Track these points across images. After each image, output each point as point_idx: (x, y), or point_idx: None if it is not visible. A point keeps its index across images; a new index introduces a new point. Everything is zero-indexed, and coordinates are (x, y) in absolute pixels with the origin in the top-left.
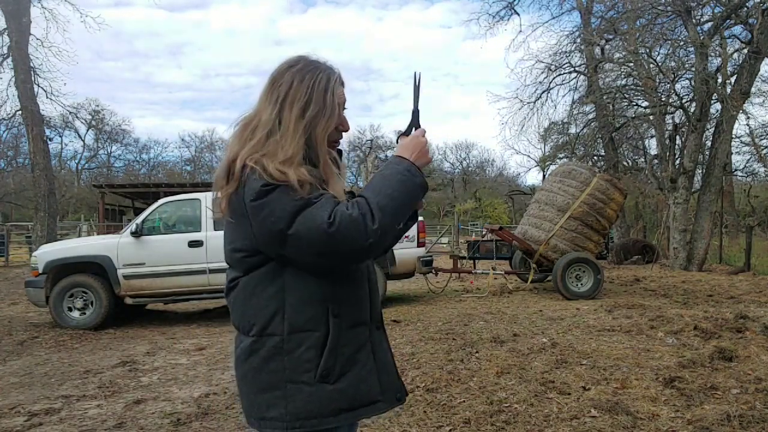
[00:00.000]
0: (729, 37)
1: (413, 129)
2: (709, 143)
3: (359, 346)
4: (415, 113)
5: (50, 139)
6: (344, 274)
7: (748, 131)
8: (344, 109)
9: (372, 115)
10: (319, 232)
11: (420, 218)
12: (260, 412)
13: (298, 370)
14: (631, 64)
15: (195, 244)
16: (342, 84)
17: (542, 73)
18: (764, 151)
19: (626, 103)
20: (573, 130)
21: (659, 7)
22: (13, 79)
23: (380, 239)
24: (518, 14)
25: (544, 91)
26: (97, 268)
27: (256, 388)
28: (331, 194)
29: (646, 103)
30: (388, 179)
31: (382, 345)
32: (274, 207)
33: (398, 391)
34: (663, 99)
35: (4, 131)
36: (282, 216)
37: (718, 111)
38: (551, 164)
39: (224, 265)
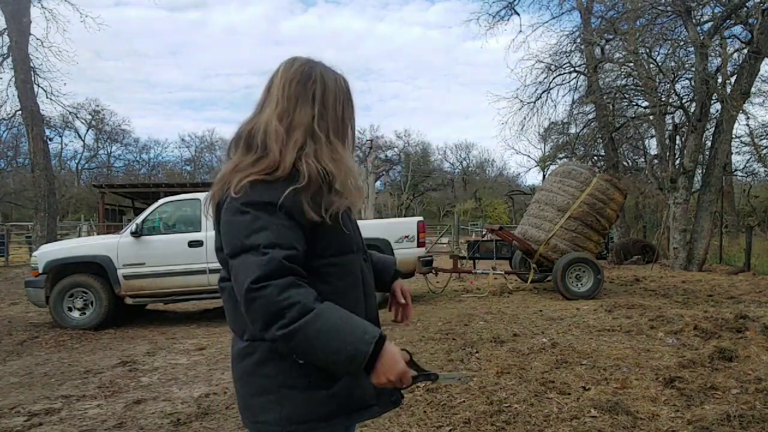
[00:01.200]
0: (729, 37)
1: (421, 375)
2: (709, 143)
3: None
4: (432, 376)
5: (50, 139)
6: (336, 278)
7: (748, 131)
8: None
9: (372, 115)
10: (242, 284)
11: (420, 218)
12: (254, 415)
13: (291, 374)
14: (631, 64)
15: (195, 244)
16: None
17: (542, 73)
18: (764, 151)
19: (626, 103)
20: (573, 130)
21: (659, 7)
22: (13, 79)
23: (278, 343)
24: (518, 14)
25: (544, 91)
26: (97, 268)
27: (251, 391)
28: (282, 255)
29: (646, 103)
30: (339, 334)
31: None
32: (233, 228)
33: (393, 395)
34: (663, 99)
35: (4, 131)
36: (235, 242)
37: (718, 111)
38: (551, 164)
39: None
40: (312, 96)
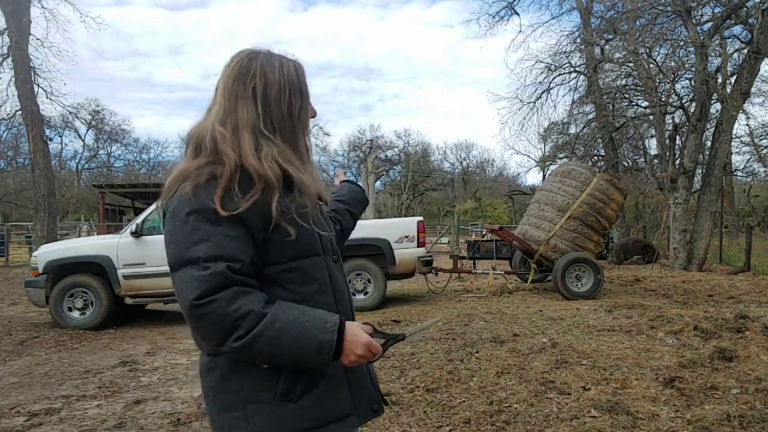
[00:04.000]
0: (729, 37)
1: (389, 340)
2: (709, 143)
3: None
4: (400, 337)
5: (50, 139)
6: (298, 284)
7: (748, 131)
8: None
9: (372, 114)
10: (185, 301)
11: (420, 218)
12: None
13: (256, 388)
14: (631, 64)
15: None
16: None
17: (542, 73)
18: (764, 151)
19: (626, 103)
20: (573, 130)
21: (659, 7)
22: (13, 79)
23: (237, 354)
24: (518, 14)
25: (544, 91)
26: (97, 268)
27: (217, 407)
28: (225, 267)
29: (646, 103)
30: (300, 330)
31: None
32: (174, 237)
33: (374, 402)
34: (663, 99)
35: (4, 131)
36: (175, 253)
37: (718, 111)
38: (551, 164)
39: None
40: (253, 93)
